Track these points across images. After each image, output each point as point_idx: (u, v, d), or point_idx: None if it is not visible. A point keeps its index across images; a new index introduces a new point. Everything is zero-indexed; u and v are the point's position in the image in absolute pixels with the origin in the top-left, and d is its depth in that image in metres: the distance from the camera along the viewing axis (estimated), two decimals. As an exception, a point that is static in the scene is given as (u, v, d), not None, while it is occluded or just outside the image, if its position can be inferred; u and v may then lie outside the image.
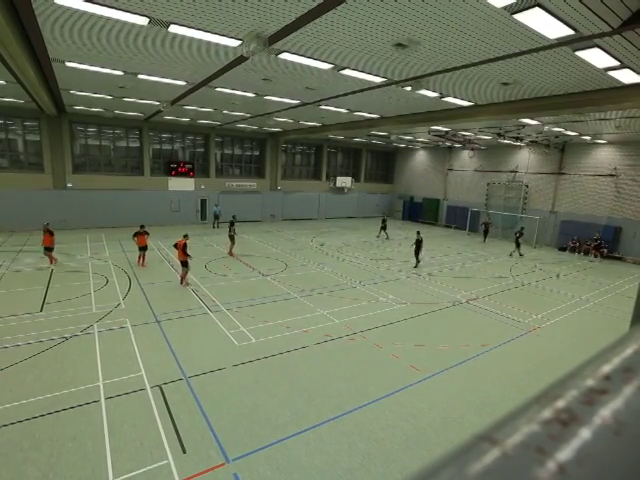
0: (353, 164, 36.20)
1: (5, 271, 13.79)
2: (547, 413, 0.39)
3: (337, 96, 13.90)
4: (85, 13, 7.14)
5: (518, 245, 21.63)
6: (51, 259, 14.77)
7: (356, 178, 35.30)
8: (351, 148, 35.22)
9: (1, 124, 21.51)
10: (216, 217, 26.22)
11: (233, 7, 6.59)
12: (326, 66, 9.97)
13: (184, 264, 12.90)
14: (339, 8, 6.40)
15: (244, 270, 15.55)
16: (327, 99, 14.63)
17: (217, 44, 8.63)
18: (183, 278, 13.15)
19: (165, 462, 5.34)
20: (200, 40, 8.43)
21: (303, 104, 15.93)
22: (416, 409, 6.86)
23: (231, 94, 14.40)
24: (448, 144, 28.92)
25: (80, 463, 5.29)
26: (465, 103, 13.76)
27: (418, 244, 17.34)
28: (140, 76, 12.17)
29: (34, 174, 22.24)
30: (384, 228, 24.88)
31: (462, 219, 30.23)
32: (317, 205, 33.18)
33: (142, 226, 15.67)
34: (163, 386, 7.16)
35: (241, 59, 9.69)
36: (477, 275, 16.78)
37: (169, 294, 12.33)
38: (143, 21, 7.43)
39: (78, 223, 22.97)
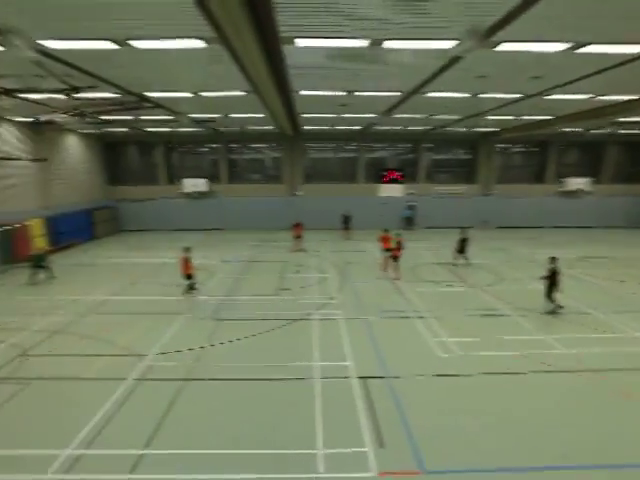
0: (591, 162, 29.37)
1: (257, 261, 17.73)
2: None
3: (571, 81, 11.63)
4: (317, 47, 8.39)
5: None
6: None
7: (595, 179, 28.52)
8: (588, 142, 28.68)
9: (257, 147, 28.18)
10: (408, 220, 26.69)
11: (447, 8, 6.43)
12: (560, 46, 8.45)
13: (395, 259, 14.70)
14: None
15: (451, 278, 14.95)
16: (556, 87, 12.44)
17: (430, 49, 8.60)
18: (390, 269, 14.93)
19: (364, 449, 5.69)
20: (412, 49, 8.60)
21: (524, 97, 14.08)
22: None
23: (442, 98, 14.13)
24: None
25: (296, 425, 6.28)
26: None
27: (551, 277, 11.03)
28: (357, 93, 13.42)
29: (274, 184, 28.15)
30: (461, 251, 16.77)
31: None
32: (540, 212, 28.58)
33: (386, 230, 16.50)
34: (367, 379, 7.65)
35: (454, 60, 9.36)
36: None
37: (377, 293, 13.10)
38: (364, 43, 8.16)
39: (308, 225, 27.19)
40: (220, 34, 7.19)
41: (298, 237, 20.51)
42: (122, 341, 9.40)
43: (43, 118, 18.07)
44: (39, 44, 8.02)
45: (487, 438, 5.98)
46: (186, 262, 12.54)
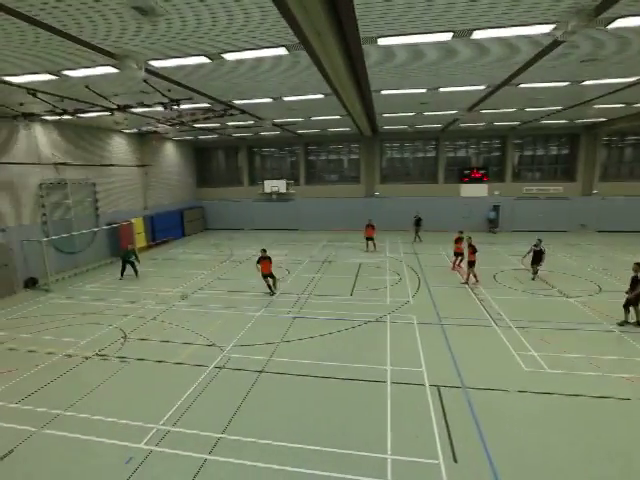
0: None
1: (332, 261, 17.95)
2: None
3: None
4: (399, 45, 8.18)
5: None
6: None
7: None
8: None
9: (335, 148, 28.43)
10: (492, 222, 25.69)
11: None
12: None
13: (472, 264, 13.69)
14: None
15: (539, 286, 13.60)
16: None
17: (522, 36, 7.87)
18: (470, 276, 13.91)
19: (436, 462, 5.43)
20: (505, 38, 7.95)
21: (641, 81, 12.21)
22: None
23: (536, 88, 12.87)
24: None
25: (366, 428, 6.20)
26: None
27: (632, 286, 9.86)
28: (440, 89, 12.82)
29: (352, 185, 28.14)
30: (536, 262, 14.26)
31: None
32: (654, 213, 24.66)
33: (460, 232, 16.00)
34: (441, 388, 7.29)
35: (553, 45, 8.45)
36: None
37: (454, 299, 12.45)
38: (447, 36, 7.75)
39: (384, 226, 26.74)
40: (302, 39, 7.38)
41: (369, 239, 20.19)
42: (205, 332, 10.18)
43: (147, 129, 20.36)
44: (148, 64, 9.03)
45: (580, 469, 5.30)
46: (264, 262, 13.00)
